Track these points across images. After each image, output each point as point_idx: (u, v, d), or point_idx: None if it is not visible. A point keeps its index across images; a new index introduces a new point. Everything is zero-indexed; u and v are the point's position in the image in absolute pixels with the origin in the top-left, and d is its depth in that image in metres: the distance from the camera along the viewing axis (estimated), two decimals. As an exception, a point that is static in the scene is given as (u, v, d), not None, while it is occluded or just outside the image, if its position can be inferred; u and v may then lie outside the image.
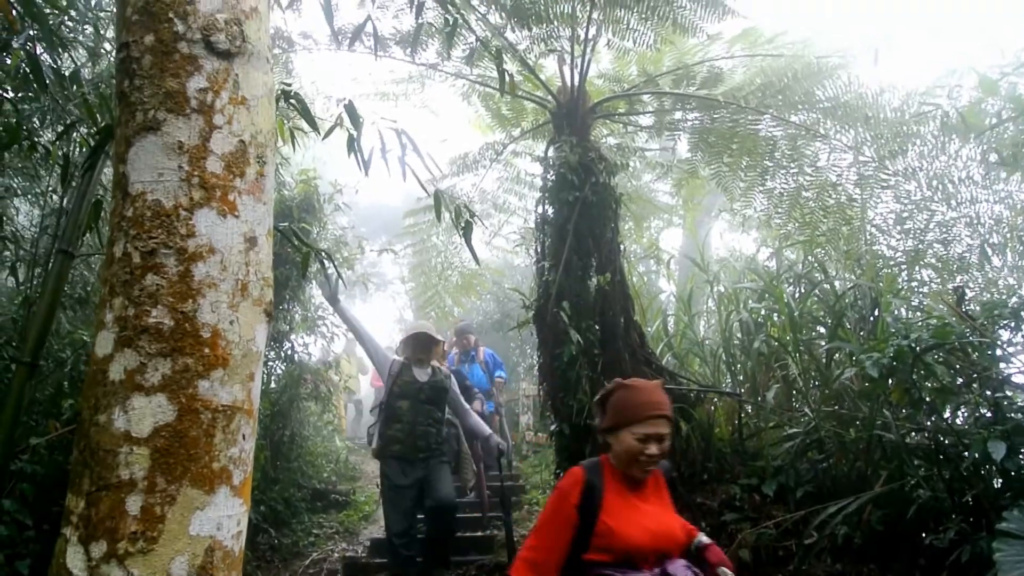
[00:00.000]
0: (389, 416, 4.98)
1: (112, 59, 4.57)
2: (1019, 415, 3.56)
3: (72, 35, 4.33)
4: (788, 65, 5.81)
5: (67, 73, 3.75)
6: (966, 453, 3.63)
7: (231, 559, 1.66)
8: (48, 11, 3.83)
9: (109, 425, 1.59)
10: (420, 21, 3.84)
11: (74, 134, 3.91)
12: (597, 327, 5.35)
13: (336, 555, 6.70)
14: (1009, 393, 3.78)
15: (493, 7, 5.74)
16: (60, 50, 3.84)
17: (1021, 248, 5.51)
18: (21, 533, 3.65)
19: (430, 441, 4.97)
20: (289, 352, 7.88)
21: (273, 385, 7.55)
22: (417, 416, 4.95)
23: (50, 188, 5.00)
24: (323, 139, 3.31)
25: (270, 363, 7.64)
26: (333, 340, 8.62)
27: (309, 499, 7.99)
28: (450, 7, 3.87)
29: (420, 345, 5.12)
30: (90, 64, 4.76)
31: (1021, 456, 3.38)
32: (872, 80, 6.01)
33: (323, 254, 3.64)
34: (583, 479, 2.33)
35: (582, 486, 2.31)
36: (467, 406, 5.53)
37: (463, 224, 3.45)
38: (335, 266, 3.54)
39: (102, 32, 4.55)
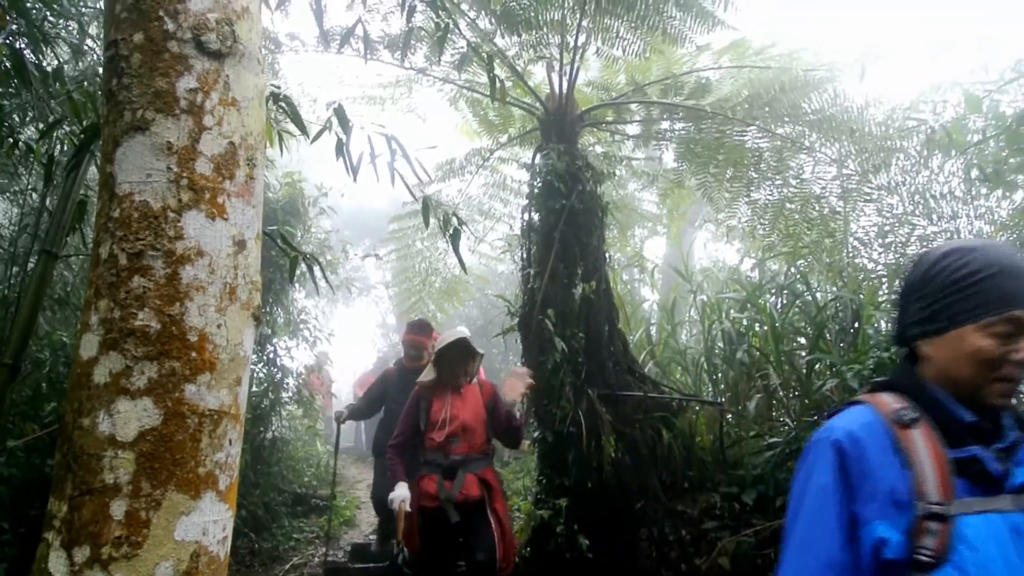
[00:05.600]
0: None
1: (97, 56, 4.52)
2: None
3: (55, 31, 4.28)
4: (776, 77, 5.86)
5: (50, 69, 3.71)
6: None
7: (216, 564, 1.64)
8: (31, 6, 3.78)
9: (93, 429, 1.56)
10: (410, 25, 3.82)
11: (57, 132, 3.86)
12: (582, 335, 5.34)
13: (316, 560, 6.64)
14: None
15: (482, 12, 5.75)
16: (43, 46, 3.79)
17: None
18: (-3, 536, 3.60)
19: None
20: (271, 356, 7.82)
21: (255, 388, 7.48)
22: None
23: (29, 187, 4.93)
24: (311, 143, 3.29)
25: (252, 366, 7.57)
26: (316, 344, 8.59)
27: (290, 503, 7.92)
28: (441, 11, 3.86)
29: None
30: (73, 61, 4.71)
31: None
32: (858, 94, 6.09)
33: (310, 258, 3.61)
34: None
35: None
36: None
37: (451, 231, 3.43)
38: (323, 271, 3.52)
39: (86, 29, 4.50)
